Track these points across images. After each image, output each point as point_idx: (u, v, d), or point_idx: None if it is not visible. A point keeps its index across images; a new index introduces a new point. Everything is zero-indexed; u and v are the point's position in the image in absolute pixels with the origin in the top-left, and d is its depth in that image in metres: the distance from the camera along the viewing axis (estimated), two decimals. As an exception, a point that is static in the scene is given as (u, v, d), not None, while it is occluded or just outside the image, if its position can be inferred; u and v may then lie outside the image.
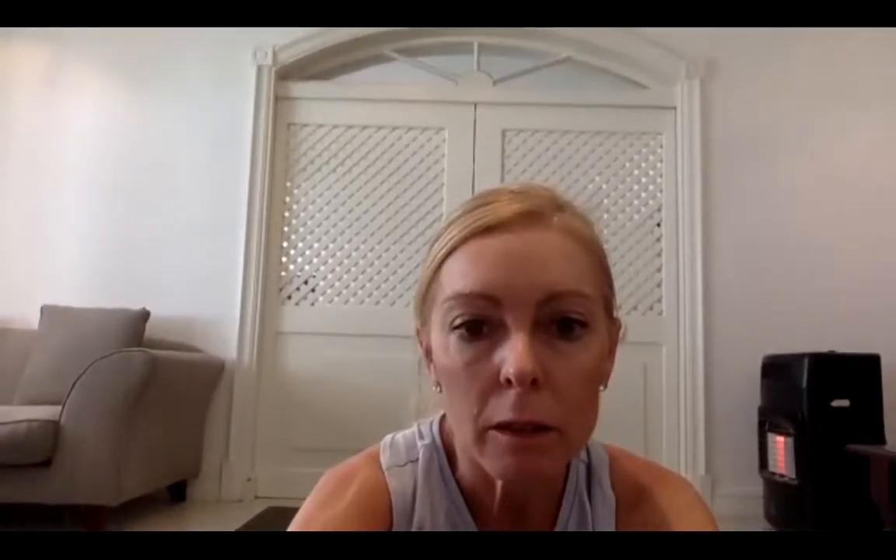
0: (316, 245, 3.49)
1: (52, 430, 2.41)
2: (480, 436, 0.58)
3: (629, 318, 3.33)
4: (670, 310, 3.39)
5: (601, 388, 0.63)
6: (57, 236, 3.42)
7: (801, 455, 2.72)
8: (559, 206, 0.63)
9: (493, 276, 0.58)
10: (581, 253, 0.62)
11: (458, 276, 0.60)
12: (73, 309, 3.06)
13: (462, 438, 0.61)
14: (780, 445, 2.86)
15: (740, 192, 3.39)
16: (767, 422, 2.97)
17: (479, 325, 0.58)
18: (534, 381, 0.55)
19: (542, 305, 0.57)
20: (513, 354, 0.55)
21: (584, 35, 3.50)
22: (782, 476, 2.84)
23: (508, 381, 0.56)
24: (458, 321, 0.59)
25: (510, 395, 0.56)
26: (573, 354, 0.58)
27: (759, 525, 2.98)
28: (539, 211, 0.61)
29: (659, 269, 3.43)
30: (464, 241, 0.61)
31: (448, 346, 0.60)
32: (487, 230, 0.60)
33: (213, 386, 3.26)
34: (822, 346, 2.92)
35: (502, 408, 0.56)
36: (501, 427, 0.56)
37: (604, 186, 3.48)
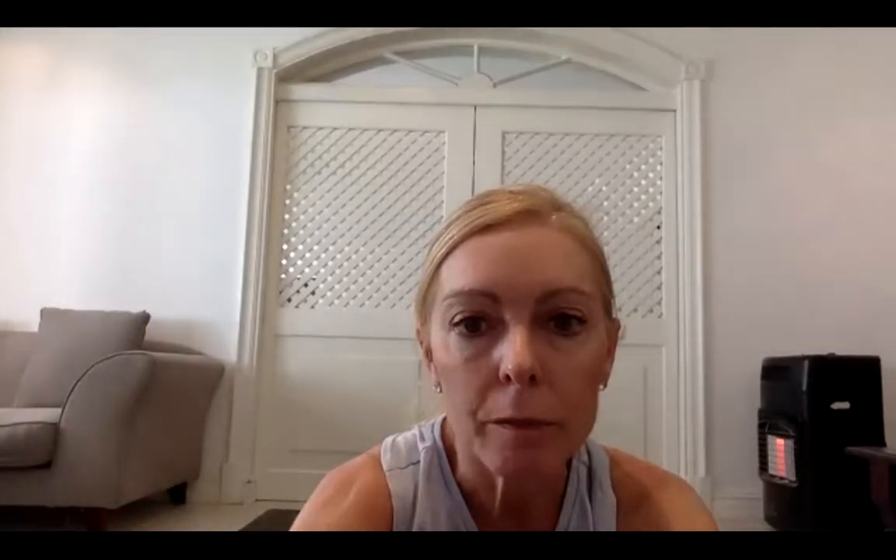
0: (316, 248, 3.49)
1: (52, 432, 2.41)
2: (480, 430, 0.58)
3: (629, 321, 3.33)
4: (670, 312, 3.39)
5: (601, 387, 0.63)
6: (57, 239, 3.42)
7: (802, 457, 2.72)
8: (558, 205, 0.64)
9: (493, 273, 0.58)
10: (580, 251, 0.62)
11: (458, 274, 0.60)
12: (73, 311, 3.06)
13: (462, 434, 0.62)
14: (780, 448, 2.86)
15: (740, 193, 3.39)
16: (767, 424, 2.97)
17: (479, 321, 0.59)
18: (532, 378, 0.55)
19: (540, 302, 0.58)
20: (511, 351, 0.56)
21: (584, 37, 3.51)
22: (782, 478, 2.84)
23: (507, 378, 0.56)
24: (457, 318, 0.59)
25: (509, 391, 0.56)
26: (572, 351, 0.58)
27: (760, 527, 2.98)
28: (538, 210, 0.62)
29: (659, 272, 3.43)
30: (463, 239, 0.61)
31: (448, 344, 0.60)
32: (486, 229, 0.60)
33: (213, 388, 3.25)
34: (822, 349, 2.92)
35: (502, 404, 0.56)
36: (501, 422, 0.57)
37: (604, 188, 3.49)
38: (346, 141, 3.54)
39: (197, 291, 3.35)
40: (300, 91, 3.59)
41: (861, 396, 2.75)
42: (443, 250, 0.63)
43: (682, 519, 0.66)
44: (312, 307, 3.45)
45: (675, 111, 3.51)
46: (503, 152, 3.51)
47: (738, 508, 3.09)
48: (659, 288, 3.42)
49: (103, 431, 2.45)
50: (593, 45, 3.54)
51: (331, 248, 3.47)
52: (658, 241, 3.46)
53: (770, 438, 2.94)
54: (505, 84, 3.62)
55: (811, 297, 3.30)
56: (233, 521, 2.78)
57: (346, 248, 3.47)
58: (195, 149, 3.46)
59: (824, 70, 3.47)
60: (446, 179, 3.49)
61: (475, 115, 3.55)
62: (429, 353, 0.66)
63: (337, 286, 3.45)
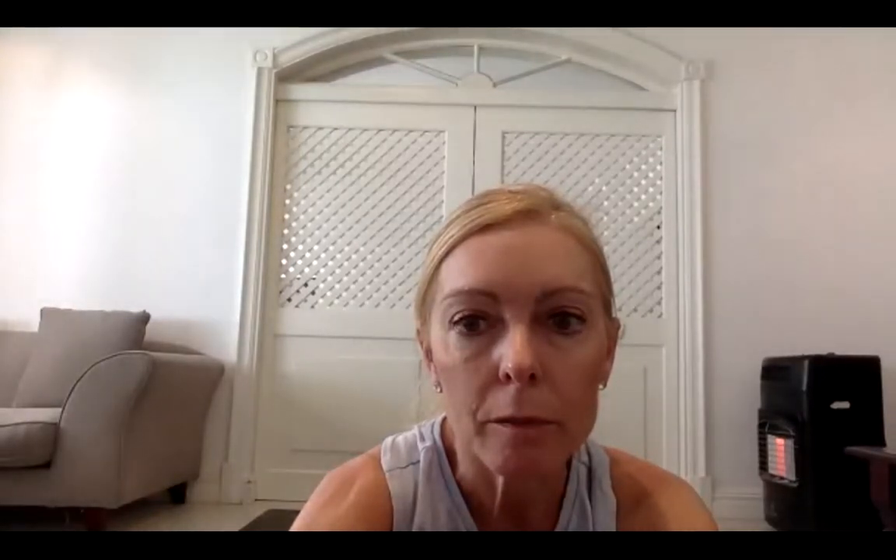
0: (316, 247, 3.49)
1: (52, 432, 2.41)
2: (480, 429, 0.58)
3: (629, 321, 3.33)
4: (670, 312, 3.39)
5: (601, 386, 0.63)
6: (57, 238, 3.42)
7: (801, 457, 2.72)
8: (557, 205, 0.64)
9: (492, 272, 0.58)
10: (579, 250, 0.62)
11: (458, 274, 0.60)
12: (72, 311, 3.06)
13: (462, 434, 0.62)
14: (780, 447, 2.86)
15: (740, 193, 3.39)
16: (767, 424, 2.97)
17: (478, 320, 0.59)
18: (532, 376, 0.55)
19: (540, 301, 0.58)
20: (511, 350, 0.56)
21: (584, 37, 3.50)
22: (782, 478, 2.84)
23: (507, 377, 0.56)
24: (457, 317, 0.59)
25: (509, 390, 0.56)
26: (571, 349, 0.58)
27: (760, 527, 2.98)
28: (537, 209, 0.62)
29: (659, 272, 3.43)
30: (463, 239, 0.61)
31: (447, 343, 0.60)
32: (486, 228, 0.60)
33: (213, 388, 3.25)
34: (822, 349, 2.92)
35: (501, 403, 0.56)
36: (501, 421, 0.57)
37: (604, 188, 3.48)
38: (346, 141, 3.54)
39: (197, 291, 3.35)
40: (300, 91, 3.59)
41: (861, 396, 2.75)
42: (442, 250, 0.63)
43: (681, 519, 0.65)
44: (312, 307, 3.44)
45: (674, 111, 3.51)
46: (503, 152, 3.51)
47: (738, 508, 3.09)
48: (659, 288, 3.42)
49: (103, 431, 2.45)
50: (593, 46, 3.54)
51: (331, 248, 3.47)
52: (658, 241, 3.46)
53: (770, 438, 2.94)
54: (505, 84, 3.62)
55: (811, 296, 3.30)
56: (233, 521, 2.78)
57: (346, 248, 3.47)
58: (195, 148, 3.46)
59: (824, 70, 3.47)
60: (446, 179, 3.49)
61: (475, 115, 3.55)
62: (429, 353, 0.66)
63: (337, 286, 3.45)
